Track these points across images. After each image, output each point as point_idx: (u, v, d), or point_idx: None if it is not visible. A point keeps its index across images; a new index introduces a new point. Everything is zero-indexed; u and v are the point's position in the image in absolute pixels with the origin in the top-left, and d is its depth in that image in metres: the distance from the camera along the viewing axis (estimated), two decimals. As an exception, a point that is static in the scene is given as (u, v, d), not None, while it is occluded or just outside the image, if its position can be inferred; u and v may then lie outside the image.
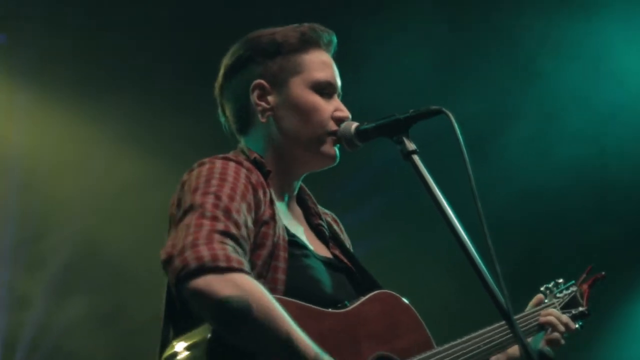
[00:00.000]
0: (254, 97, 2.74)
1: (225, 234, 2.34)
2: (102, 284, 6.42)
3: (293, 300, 2.42)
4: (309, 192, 2.91)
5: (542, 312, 3.07)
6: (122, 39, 6.36)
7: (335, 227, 2.95)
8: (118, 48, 6.36)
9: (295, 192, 2.84)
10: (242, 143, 2.79)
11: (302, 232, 2.74)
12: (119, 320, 6.38)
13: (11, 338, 6.34)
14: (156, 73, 6.43)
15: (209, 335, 2.30)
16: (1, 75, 6.43)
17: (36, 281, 6.36)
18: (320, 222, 2.85)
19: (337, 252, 2.81)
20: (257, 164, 2.67)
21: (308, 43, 2.77)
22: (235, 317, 2.24)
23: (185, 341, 2.36)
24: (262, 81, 2.74)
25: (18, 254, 6.35)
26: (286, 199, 2.79)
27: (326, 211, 2.99)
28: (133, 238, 6.26)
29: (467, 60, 6.67)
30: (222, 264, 2.25)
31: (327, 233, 2.84)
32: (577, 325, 3.17)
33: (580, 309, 3.23)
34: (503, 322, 2.66)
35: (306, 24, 2.81)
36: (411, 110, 2.52)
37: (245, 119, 2.78)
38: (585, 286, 3.30)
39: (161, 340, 2.48)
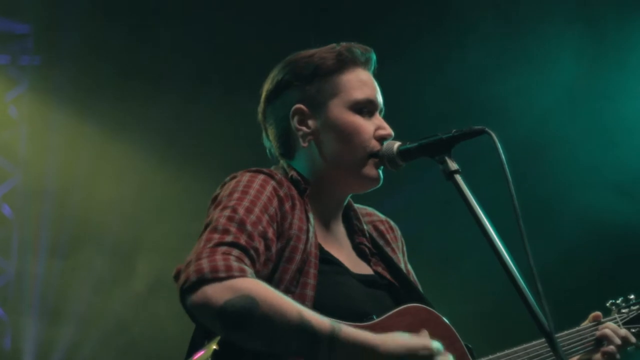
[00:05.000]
0: (294, 122, 2.74)
1: (233, 244, 2.37)
2: (137, 297, 6.45)
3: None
4: (355, 207, 2.90)
5: (600, 326, 3.03)
6: (158, 57, 6.43)
7: (389, 235, 2.95)
8: (153, 65, 6.43)
9: (340, 212, 2.84)
10: (284, 162, 2.80)
11: (341, 251, 2.74)
12: (154, 331, 6.41)
13: (45, 350, 6.38)
14: (192, 89, 6.49)
15: (212, 350, 2.33)
16: (37, 95, 6.52)
17: (70, 296, 6.42)
18: (363, 239, 2.85)
19: (379, 269, 2.80)
20: (294, 181, 2.69)
21: (345, 63, 2.76)
22: (241, 317, 2.26)
23: None
24: (301, 106, 2.74)
25: (53, 265, 6.41)
26: (329, 220, 2.79)
27: (382, 218, 3.00)
28: (168, 250, 6.31)
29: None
30: (222, 274, 2.28)
31: (368, 251, 2.83)
32: None
33: None
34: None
35: (343, 44, 2.80)
36: (454, 130, 2.52)
37: (288, 144, 2.79)
38: None
39: (190, 345, 2.51)
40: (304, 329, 2.28)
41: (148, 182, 6.55)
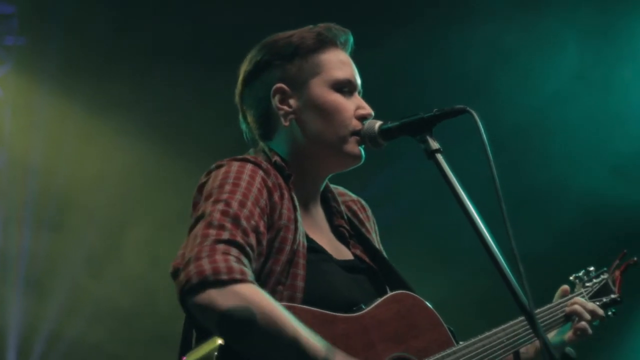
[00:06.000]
0: (275, 101, 2.74)
1: (231, 242, 2.36)
2: (125, 273, 6.45)
3: (304, 307, 2.44)
4: (332, 189, 2.90)
5: (569, 302, 3.04)
6: (144, 38, 6.41)
7: (362, 214, 2.95)
8: (139, 46, 6.41)
9: (319, 195, 2.84)
10: (264, 145, 2.78)
11: (322, 236, 2.75)
12: (145, 313, 6.41)
13: (29, 331, 6.38)
14: (179, 73, 6.47)
15: (218, 344, 2.31)
16: (22, 75, 6.49)
17: (55, 274, 6.42)
18: (342, 221, 2.85)
19: (358, 252, 2.81)
20: (278, 167, 2.68)
21: (325, 43, 2.77)
22: (239, 327, 2.26)
23: (196, 353, 2.38)
24: (282, 85, 2.74)
25: (38, 245, 6.41)
26: (309, 202, 2.78)
27: (354, 197, 3.00)
28: (155, 226, 6.32)
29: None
30: (224, 276, 2.28)
31: (347, 234, 2.84)
32: (609, 313, 3.15)
33: (612, 296, 3.19)
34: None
35: (322, 24, 2.81)
36: (435, 110, 2.52)
37: (268, 124, 2.78)
38: (617, 273, 3.27)
39: (181, 341, 2.51)
40: (297, 350, 2.28)
41: (134, 161, 6.54)
